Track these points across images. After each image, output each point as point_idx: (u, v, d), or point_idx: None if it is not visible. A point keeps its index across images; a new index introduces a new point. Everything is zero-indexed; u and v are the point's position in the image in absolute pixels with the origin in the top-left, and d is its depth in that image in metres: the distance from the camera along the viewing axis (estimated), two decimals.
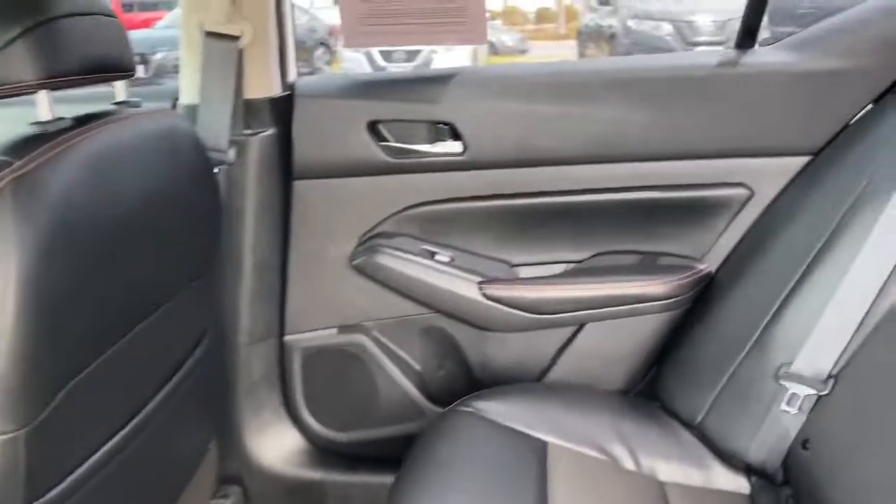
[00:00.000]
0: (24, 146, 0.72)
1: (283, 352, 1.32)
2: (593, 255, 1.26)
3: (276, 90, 1.20)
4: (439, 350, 1.32)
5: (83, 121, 0.81)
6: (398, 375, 1.32)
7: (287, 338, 1.32)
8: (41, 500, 0.75)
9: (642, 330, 1.22)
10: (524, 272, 1.28)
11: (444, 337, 1.30)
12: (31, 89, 0.75)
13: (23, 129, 0.78)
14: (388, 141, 1.23)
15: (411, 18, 1.17)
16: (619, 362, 1.25)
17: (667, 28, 7.60)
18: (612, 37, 8.07)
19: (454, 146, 1.22)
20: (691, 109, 1.16)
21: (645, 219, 1.23)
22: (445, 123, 1.20)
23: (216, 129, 1.12)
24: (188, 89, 1.17)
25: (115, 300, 0.82)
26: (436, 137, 1.22)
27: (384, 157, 1.21)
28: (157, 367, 0.97)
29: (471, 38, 1.18)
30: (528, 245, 1.27)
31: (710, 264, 1.21)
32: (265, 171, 1.21)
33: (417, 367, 1.33)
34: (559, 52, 10.61)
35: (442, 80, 1.21)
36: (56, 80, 0.76)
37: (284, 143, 1.22)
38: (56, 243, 0.70)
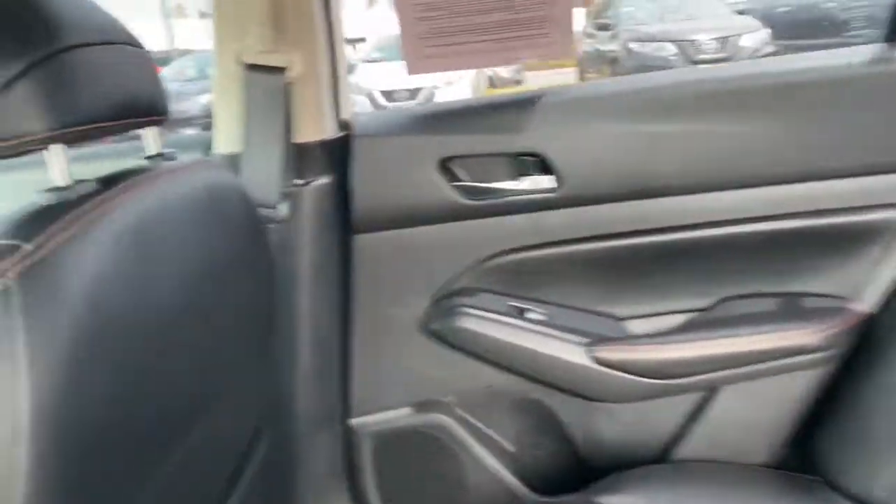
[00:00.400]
0: (36, 223, 0.52)
1: (349, 438, 1.11)
2: (720, 301, 1.05)
3: (331, 131, 1.00)
4: (536, 426, 1.10)
5: (108, 182, 0.62)
6: (488, 458, 1.10)
7: (353, 421, 1.10)
8: None
9: (791, 390, 1.01)
10: (635, 326, 1.07)
11: (541, 410, 1.09)
12: (40, 144, 0.55)
13: (32, 198, 0.58)
14: (462, 180, 1.03)
15: (481, 34, 0.98)
16: (764, 431, 1.03)
17: (670, 48, 7.51)
18: (614, 61, 7.98)
19: (544, 181, 1.01)
20: (831, 118, 0.96)
21: (781, 253, 1.02)
22: (533, 155, 1.00)
23: (264, 179, 0.93)
24: (225, 136, 0.97)
25: (155, 413, 0.61)
26: (521, 172, 1.02)
27: (459, 200, 1.01)
28: (207, 490, 0.75)
29: (556, 51, 0.98)
30: (638, 294, 1.06)
31: (867, 304, 0.99)
32: (321, 226, 1.00)
33: (510, 447, 1.11)
34: (558, 80, 10.54)
35: (525, 103, 1.01)
36: (72, 130, 0.56)
37: (341, 192, 1.02)
38: (81, 353, 0.49)
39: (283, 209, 0.94)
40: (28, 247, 0.49)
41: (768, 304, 1.02)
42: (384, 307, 1.07)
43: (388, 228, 1.04)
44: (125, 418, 0.56)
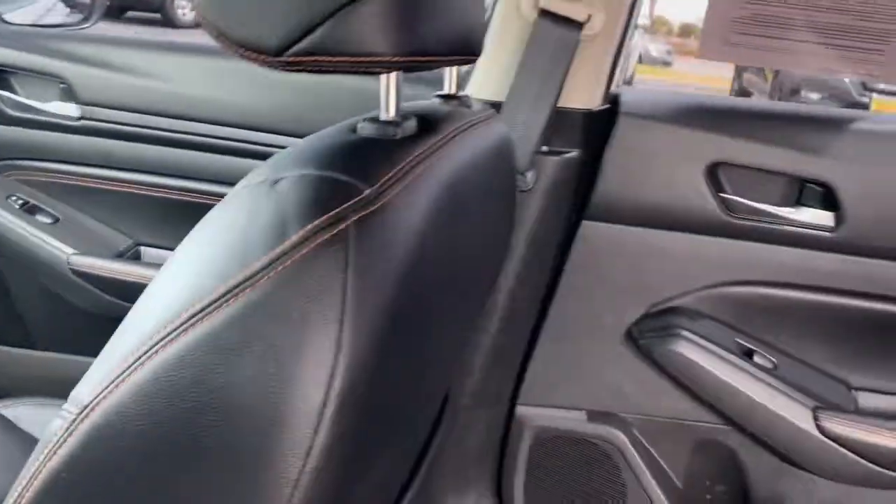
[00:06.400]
0: (370, 162, 0.44)
1: (510, 424, 1.03)
2: None
3: (597, 101, 0.89)
4: (716, 472, 1.00)
5: (426, 124, 0.53)
6: (653, 489, 1.00)
7: (520, 408, 1.02)
8: None
9: None
10: (867, 400, 0.94)
11: (728, 459, 0.98)
12: (378, 68, 0.47)
13: (356, 124, 0.50)
14: (727, 192, 0.90)
15: (806, 34, 0.84)
16: None
17: None
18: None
19: (824, 217, 0.88)
20: None
21: None
22: (821, 184, 0.87)
23: (522, 141, 0.83)
24: (490, 80, 0.88)
25: (421, 386, 0.54)
26: (798, 200, 0.89)
27: (719, 213, 0.89)
28: (411, 452, 0.69)
29: (886, 72, 0.83)
30: (881, 366, 0.93)
31: None
32: (554, 203, 0.91)
33: (680, 485, 1.01)
34: (708, 72, 9.94)
35: (823, 123, 0.87)
36: (409, 59, 0.47)
37: (588, 170, 0.91)
38: (396, 315, 0.42)
39: (529, 177, 0.85)
40: (368, 192, 0.41)
41: None
42: (591, 303, 0.97)
43: (624, 223, 0.93)
44: (411, 388, 0.49)
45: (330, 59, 0.43)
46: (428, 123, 0.54)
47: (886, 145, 0.87)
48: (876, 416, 0.91)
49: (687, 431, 0.99)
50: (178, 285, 0.40)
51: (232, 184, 0.45)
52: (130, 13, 7.75)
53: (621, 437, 1.00)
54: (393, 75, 0.49)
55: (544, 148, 0.88)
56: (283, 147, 1.10)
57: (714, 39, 0.87)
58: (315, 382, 0.38)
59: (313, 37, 0.42)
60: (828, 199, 0.87)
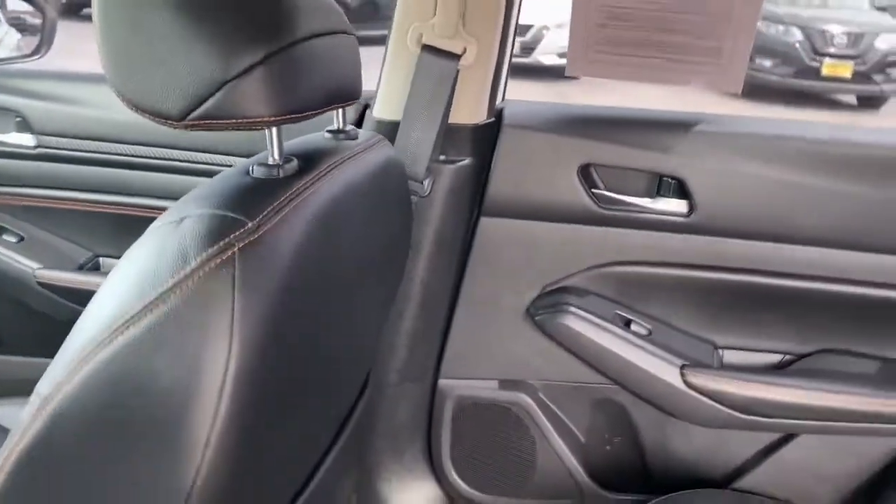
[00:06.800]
0: (254, 199, 0.59)
1: (434, 397, 1.19)
2: (818, 352, 1.07)
3: (482, 116, 1.04)
4: (611, 425, 1.16)
5: (307, 163, 0.67)
6: (559, 444, 1.17)
7: (442, 382, 1.18)
8: None
9: (873, 452, 1.04)
10: (729, 357, 1.10)
11: (619, 412, 1.14)
12: (261, 125, 0.61)
13: (248, 167, 0.64)
14: (598, 188, 1.06)
15: (654, 51, 0.99)
16: (833, 483, 1.06)
17: (797, 35, 7.10)
18: None
19: (678, 205, 1.04)
20: None
21: (892, 321, 1.03)
22: (674, 178, 1.02)
23: (416, 154, 0.97)
24: (388, 104, 1.02)
25: (316, 369, 0.69)
26: (657, 191, 1.04)
27: (592, 206, 1.05)
28: (332, 421, 0.84)
29: (724, 82, 0.99)
30: (740, 327, 1.09)
31: None
32: (453, 204, 1.06)
33: (582, 439, 1.18)
34: None
35: (677, 126, 1.03)
36: (288, 116, 0.61)
37: (480, 175, 1.06)
38: (278, 325, 0.56)
39: (426, 185, 0.99)
40: (250, 225, 0.56)
41: (866, 366, 1.04)
42: (494, 288, 1.12)
43: (516, 217, 1.08)
44: (303, 374, 0.63)
45: (221, 121, 0.57)
46: (309, 162, 0.68)
47: (729, 144, 1.02)
48: (737, 370, 1.08)
49: (584, 392, 1.15)
50: (112, 302, 0.54)
51: (174, 198, 0.59)
52: (86, 10, 7.73)
53: (529, 401, 1.16)
54: (275, 129, 0.63)
55: (442, 157, 1.03)
56: (214, 164, 1.24)
57: (578, 59, 1.01)
58: (213, 371, 0.53)
59: (206, 106, 0.56)
60: (681, 190, 1.03)
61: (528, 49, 6.62)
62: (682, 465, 1.12)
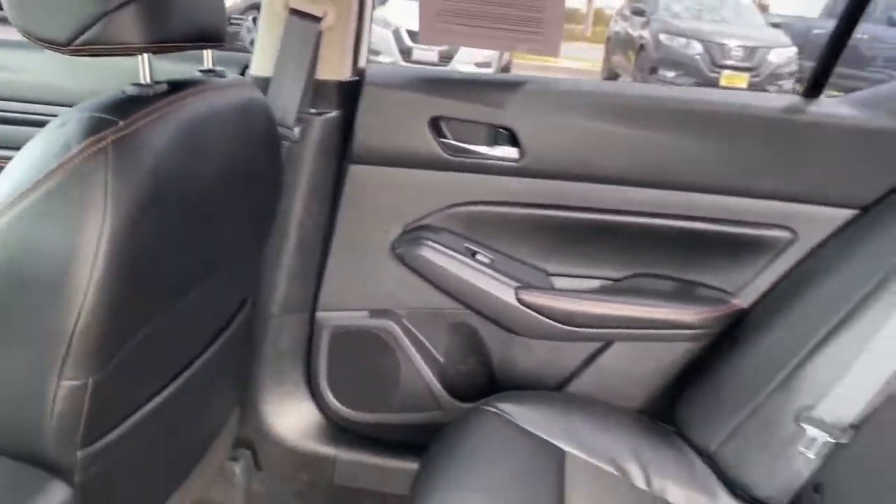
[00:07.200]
0: (126, 107, 0.74)
1: (312, 327, 1.35)
2: (631, 276, 1.29)
3: (347, 74, 1.21)
4: (465, 346, 1.35)
5: (176, 87, 0.83)
6: (421, 365, 1.35)
7: (318, 314, 1.34)
8: (94, 446, 0.78)
9: (667, 355, 1.26)
10: (560, 283, 1.31)
11: (471, 334, 1.33)
12: (135, 52, 0.77)
13: (123, 88, 0.79)
14: (447, 138, 1.25)
15: (488, 22, 1.19)
16: (641, 383, 1.28)
17: (697, 47, 7.61)
18: (642, 48, 8.07)
19: (511, 152, 1.24)
20: (749, 149, 1.19)
21: (687, 248, 1.26)
22: (506, 129, 1.23)
23: (286, 105, 1.14)
24: (262, 62, 1.18)
25: (183, 264, 0.84)
26: (494, 141, 1.24)
27: (441, 153, 1.24)
28: (204, 329, 1.00)
29: (544, 48, 1.20)
30: (567, 257, 1.30)
31: (744, 300, 1.24)
32: (323, 152, 1.22)
33: (441, 359, 1.36)
34: (581, 55, 10.58)
35: (508, 86, 1.23)
36: (158, 45, 0.77)
37: (346, 126, 1.24)
38: (147, 203, 0.72)
39: (296, 132, 1.16)
40: (121, 123, 0.72)
41: (668, 285, 1.27)
42: (362, 227, 1.29)
43: (378, 164, 1.26)
44: (168, 255, 0.79)
45: (101, 47, 0.72)
46: (178, 86, 0.84)
47: (551, 101, 1.23)
48: (563, 290, 1.29)
49: (441, 317, 1.33)
50: (9, 182, 0.69)
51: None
52: None
53: (395, 328, 1.33)
54: (146, 56, 0.78)
55: (312, 110, 1.20)
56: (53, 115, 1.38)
57: (428, 29, 1.21)
58: (90, 234, 0.68)
59: (89, 33, 0.71)
60: (512, 139, 1.23)
61: (446, 58, 6.89)
62: (524, 376, 1.32)
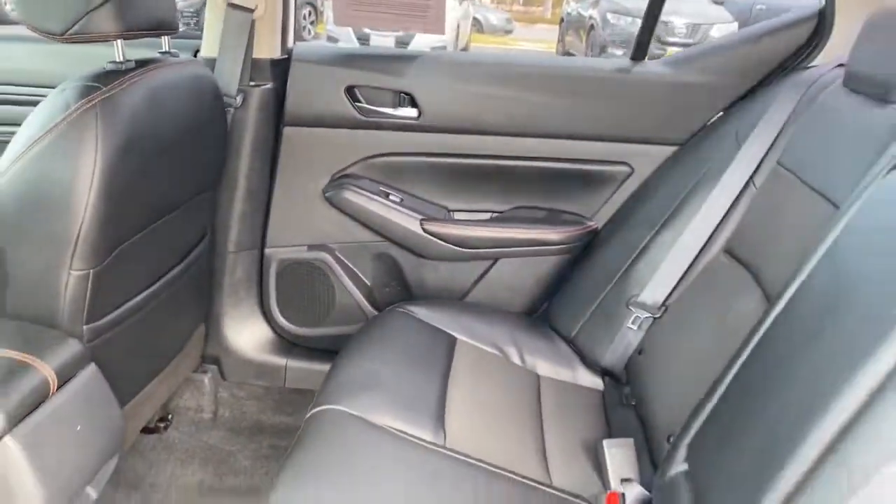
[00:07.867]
0: (108, 77, 1.05)
1: (262, 261, 1.66)
2: (513, 208, 1.63)
3: (277, 53, 1.52)
4: (387, 271, 1.67)
5: (142, 63, 1.14)
6: (352, 288, 1.67)
7: (267, 250, 1.66)
8: (96, 323, 1.10)
9: (542, 267, 1.60)
10: (457, 216, 1.64)
11: (391, 261, 1.66)
12: (111, 38, 1.07)
13: (102, 65, 1.10)
14: (360, 102, 1.56)
15: (389, 7, 1.51)
16: (522, 291, 1.62)
17: None
18: (592, 28, 8.41)
19: (412, 112, 1.56)
20: (594, 103, 1.52)
21: (553, 183, 1.60)
22: (407, 93, 1.55)
23: (229, 79, 1.45)
24: (209, 46, 1.49)
25: (154, 194, 1.16)
26: (398, 103, 1.56)
27: (356, 115, 1.55)
28: (172, 251, 1.31)
29: (431, 28, 1.52)
30: (463, 195, 1.63)
31: (597, 221, 1.58)
32: (262, 117, 1.53)
33: (368, 282, 1.69)
34: (541, 36, 10.92)
35: (408, 59, 1.55)
36: (129, 33, 1.08)
37: (279, 95, 1.55)
38: (125, 147, 1.03)
39: (238, 100, 1.47)
40: (105, 89, 1.02)
41: (540, 214, 1.61)
42: (297, 177, 1.61)
43: (307, 126, 1.57)
44: (142, 188, 1.10)
45: (86, 35, 1.03)
46: (143, 64, 1.15)
47: (443, 70, 1.55)
48: (458, 222, 1.62)
49: (367, 249, 1.65)
50: (25, 133, 1.00)
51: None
52: None
53: (329, 259, 1.65)
54: (120, 41, 1.09)
55: (251, 83, 1.51)
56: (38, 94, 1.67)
57: (340, 14, 1.52)
58: (87, 165, 0.99)
59: (77, 26, 1.02)
60: (413, 101, 1.55)
61: (402, 44, 7.16)
62: (433, 292, 1.65)
